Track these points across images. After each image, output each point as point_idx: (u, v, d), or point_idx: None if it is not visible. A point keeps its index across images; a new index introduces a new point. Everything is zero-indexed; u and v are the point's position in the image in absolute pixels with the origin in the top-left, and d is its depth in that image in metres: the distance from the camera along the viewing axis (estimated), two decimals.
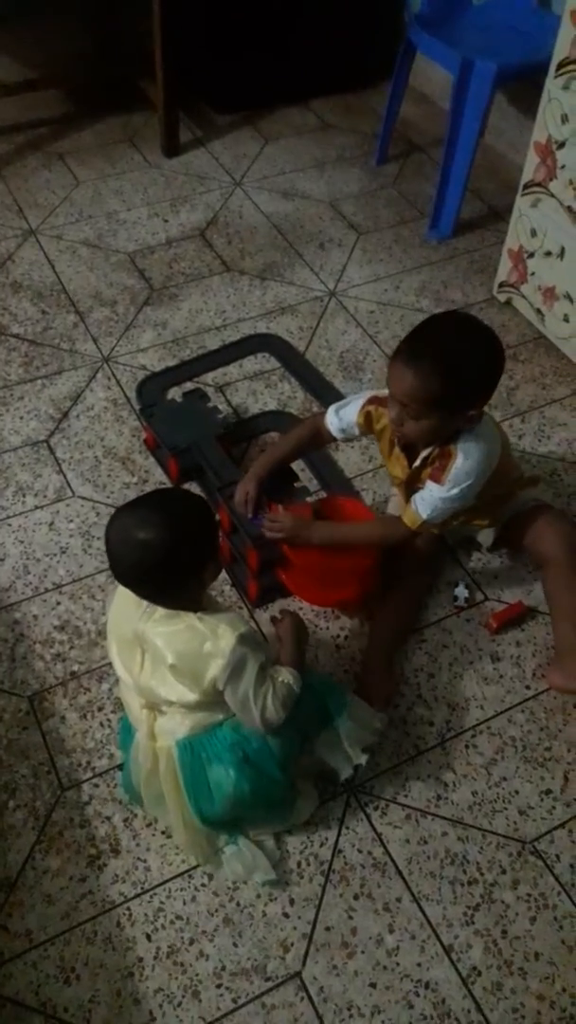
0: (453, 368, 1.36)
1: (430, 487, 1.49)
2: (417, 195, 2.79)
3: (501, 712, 1.56)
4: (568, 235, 2.06)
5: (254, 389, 2.14)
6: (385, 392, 1.52)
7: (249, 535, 1.59)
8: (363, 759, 1.38)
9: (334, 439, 1.65)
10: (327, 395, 2.10)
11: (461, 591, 1.72)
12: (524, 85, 2.39)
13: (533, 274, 2.23)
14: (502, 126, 2.93)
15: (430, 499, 1.49)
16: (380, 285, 2.46)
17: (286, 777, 1.30)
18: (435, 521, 1.51)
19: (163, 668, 1.19)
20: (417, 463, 1.52)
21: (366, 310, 2.38)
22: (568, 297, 2.13)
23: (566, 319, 2.16)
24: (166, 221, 2.65)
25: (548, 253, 2.15)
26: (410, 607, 1.69)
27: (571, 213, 2.02)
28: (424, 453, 1.50)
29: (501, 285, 2.37)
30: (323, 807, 1.43)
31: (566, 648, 1.57)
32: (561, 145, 1.99)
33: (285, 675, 1.25)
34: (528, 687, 1.60)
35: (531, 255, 2.21)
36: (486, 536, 1.75)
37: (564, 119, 1.96)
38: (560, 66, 1.93)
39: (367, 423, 1.59)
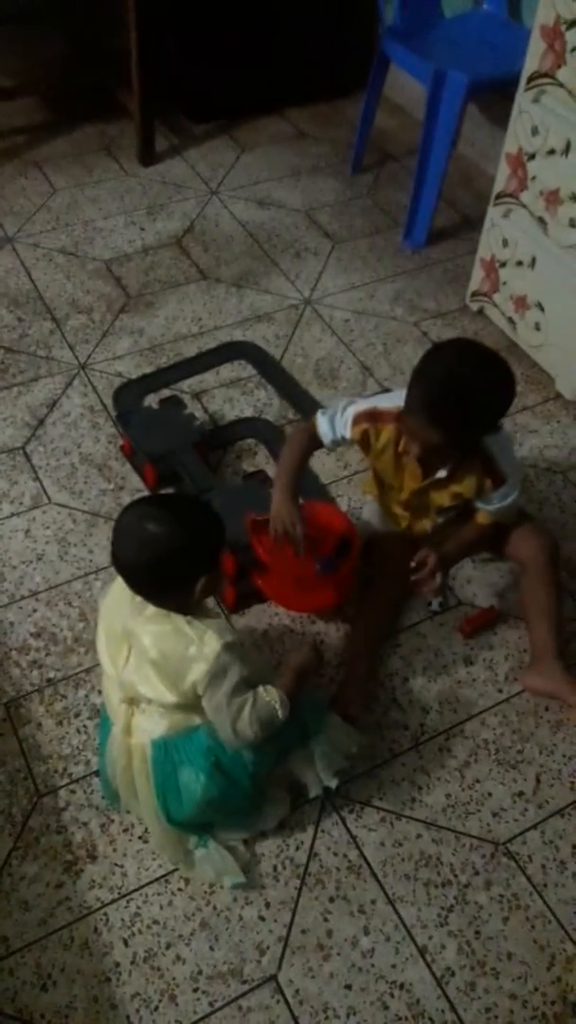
0: (477, 414, 1.39)
1: (502, 492, 1.55)
2: (391, 204, 2.83)
3: (474, 715, 1.58)
4: (539, 245, 2.10)
5: (230, 396, 2.15)
6: (376, 406, 1.54)
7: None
8: (334, 783, 1.39)
9: (323, 447, 1.65)
10: (303, 402, 2.12)
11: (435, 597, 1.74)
12: (496, 96, 2.43)
13: (505, 283, 2.26)
14: (475, 136, 2.97)
15: (512, 500, 1.57)
16: (355, 294, 2.48)
17: (254, 788, 1.31)
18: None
19: (147, 665, 1.20)
20: (443, 474, 1.53)
21: (341, 318, 2.40)
22: (539, 306, 2.16)
23: (537, 327, 2.20)
24: (142, 229, 2.66)
25: (520, 263, 2.18)
26: (388, 612, 1.71)
27: (542, 224, 2.06)
28: (444, 471, 1.52)
29: (474, 294, 2.40)
30: (298, 811, 1.44)
31: (542, 649, 1.60)
32: (532, 157, 2.03)
33: (273, 695, 1.24)
34: (501, 690, 1.62)
35: (503, 265, 2.25)
36: None
37: (534, 131, 1.99)
38: (530, 79, 1.97)
39: (363, 442, 1.59)
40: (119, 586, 1.23)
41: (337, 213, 2.78)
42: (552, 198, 2.00)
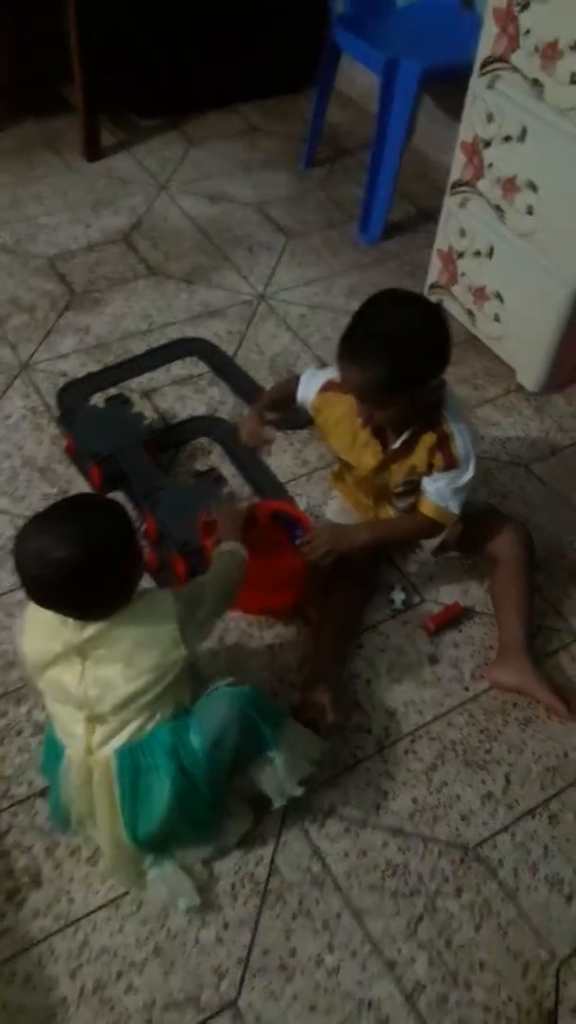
0: (395, 351, 1.33)
1: (449, 476, 1.47)
2: (346, 198, 2.77)
3: (440, 716, 1.52)
4: (497, 234, 2.05)
5: (182, 394, 2.08)
6: None
7: (177, 542, 1.52)
8: (299, 791, 1.31)
9: (295, 402, 1.61)
10: (256, 398, 2.05)
11: (398, 594, 1.67)
12: (450, 87, 2.38)
13: (463, 275, 2.22)
14: (430, 128, 2.93)
15: (455, 487, 1.48)
16: (310, 288, 2.42)
17: (212, 796, 1.23)
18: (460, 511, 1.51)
19: (114, 667, 1.14)
20: (396, 445, 1.47)
21: (296, 313, 2.33)
22: (498, 296, 2.11)
23: (496, 319, 2.15)
24: (88, 225, 2.57)
25: (477, 253, 2.13)
26: (352, 612, 1.64)
27: (499, 212, 2.01)
28: (405, 436, 1.46)
29: (432, 287, 2.35)
30: (259, 824, 1.36)
31: (510, 643, 1.55)
32: (487, 144, 1.98)
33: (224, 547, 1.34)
34: (467, 688, 1.56)
35: (461, 255, 2.20)
36: (431, 539, 1.70)
37: (489, 118, 1.95)
38: (484, 64, 1.92)
39: (318, 409, 1.56)
40: (39, 614, 1.14)
41: (290, 207, 2.72)
42: (509, 186, 1.96)
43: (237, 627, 1.62)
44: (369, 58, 2.37)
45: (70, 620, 1.13)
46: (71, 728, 1.20)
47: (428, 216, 2.64)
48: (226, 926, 1.26)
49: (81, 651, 1.14)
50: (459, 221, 2.15)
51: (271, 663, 1.57)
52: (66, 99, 2.84)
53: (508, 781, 1.45)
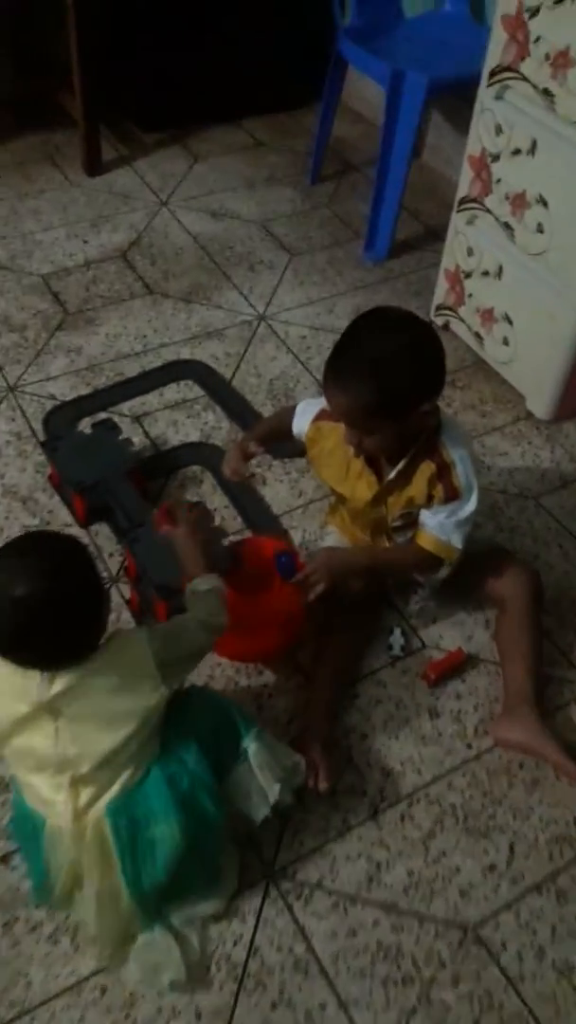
0: (382, 373, 1.24)
1: (449, 508, 1.37)
2: (352, 215, 2.67)
3: (440, 776, 1.40)
4: (505, 253, 1.95)
5: (175, 419, 1.98)
6: None
7: (154, 583, 1.42)
8: (278, 791, 1.20)
9: (290, 434, 1.52)
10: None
11: (396, 638, 1.56)
12: (459, 102, 2.28)
13: (471, 295, 2.11)
14: (439, 144, 2.84)
15: (457, 520, 1.38)
16: (313, 309, 2.32)
17: (222, 814, 1.14)
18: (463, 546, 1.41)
19: (91, 721, 1.05)
20: (392, 475, 1.38)
21: (297, 335, 2.23)
22: (507, 319, 2.01)
23: (505, 342, 2.04)
24: (85, 242, 2.49)
25: (485, 273, 2.03)
26: (349, 658, 1.53)
27: (508, 229, 1.91)
28: (401, 465, 1.36)
29: (438, 308, 2.24)
30: (237, 897, 1.25)
31: (516, 696, 1.43)
32: (496, 158, 1.88)
33: (200, 585, 1.23)
34: (469, 746, 1.44)
35: (468, 275, 2.09)
36: (433, 578, 1.59)
37: (498, 130, 1.84)
38: (492, 74, 1.82)
39: (312, 440, 1.47)
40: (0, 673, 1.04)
41: (294, 225, 2.63)
42: (519, 202, 1.85)
43: (222, 673, 1.51)
44: (374, 69, 2.27)
45: (35, 675, 1.02)
46: (51, 796, 1.09)
47: (436, 234, 2.54)
48: (199, 1015, 1.14)
49: (52, 708, 1.04)
50: (467, 239, 2.05)
51: (258, 715, 1.45)
52: (67, 111, 2.76)
53: (512, 851, 1.33)
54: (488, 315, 2.07)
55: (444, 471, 1.36)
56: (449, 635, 1.59)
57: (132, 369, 2.09)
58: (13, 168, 2.77)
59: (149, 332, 2.20)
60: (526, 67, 1.73)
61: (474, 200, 1.98)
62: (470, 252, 2.05)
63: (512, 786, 1.40)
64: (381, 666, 1.54)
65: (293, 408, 1.52)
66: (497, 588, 1.53)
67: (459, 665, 1.53)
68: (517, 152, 1.81)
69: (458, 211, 2.05)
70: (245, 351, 2.17)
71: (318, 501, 1.80)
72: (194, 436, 1.94)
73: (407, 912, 1.25)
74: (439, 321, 2.24)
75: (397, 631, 1.57)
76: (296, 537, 1.74)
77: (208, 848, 1.15)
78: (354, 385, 1.25)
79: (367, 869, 1.29)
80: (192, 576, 1.25)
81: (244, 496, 1.80)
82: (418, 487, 1.38)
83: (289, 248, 2.53)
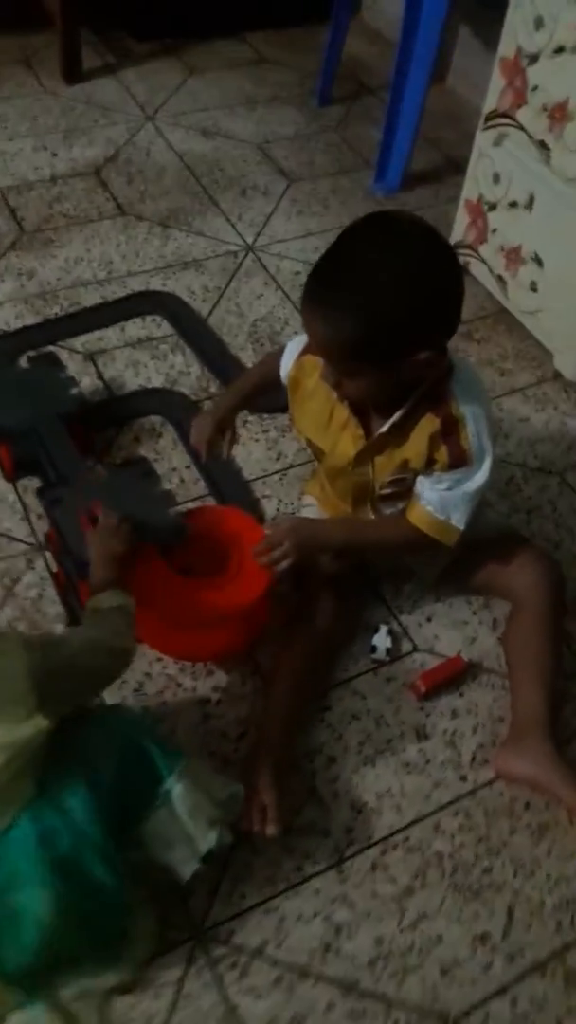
0: (371, 303, 0.94)
1: (454, 477, 1.08)
2: (362, 142, 2.34)
3: (425, 816, 1.12)
4: (539, 179, 1.62)
5: (136, 359, 1.67)
6: None
7: (75, 559, 1.12)
8: (213, 840, 0.93)
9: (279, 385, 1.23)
10: (230, 371, 1.64)
11: (382, 639, 1.27)
12: (491, 14, 1.93)
13: (495, 231, 1.79)
14: (466, 66, 2.49)
15: (463, 493, 1.09)
16: (310, 242, 2.00)
17: (117, 882, 0.85)
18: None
19: None
20: (385, 429, 1.08)
21: (290, 270, 1.92)
22: (536, 259, 1.69)
23: (533, 287, 1.72)
24: (55, 155, 2.16)
25: (513, 204, 1.71)
26: (319, 659, 1.23)
27: (543, 149, 1.59)
28: (396, 417, 1.07)
29: (456, 247, 1.92)
30: (153, 962, 0.97)
31: (527, 720, 1.15)
32: (534, 59, 1.55)
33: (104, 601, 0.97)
34: (464, 778, 1.16)
35: (493, 207, 1.77)
36: (430, 567, 1.30)
37: (538, 24, 1.51)
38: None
39: (295, 380, 1.17)
40: None
41: (297, 148, 2.30)
42: (559, 113, 1.52)
43: (162, 672, 1.22)
44: None
45: None
46: None
47: (457, 166, 2.20)
48: None
49: None
50: (493, 163, 1.72)
51: (201, 727, 1.17)
52: (51, 13, 2.41)
53: (511, 917, 1.04)
54: (514, 255, 1.75)
55: (451, 429, 1.06)
56: (447, 637, 1.30)
57: (92, 299, 1.78)
58: None
59: (116, 258, 1.89)
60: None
61: (504, 115, 1.66)
62: (496, 179, 1.73)
63: (515, 832, 1.11)
64: (360, 672, 1.25)
65: (280, 352, 1.22)
66: (509, 581, 1.25)
67: (457, 675, 1.24)
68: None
69: (484, 128, 1.73)
70: (227, 286, 1.85)
71: (299, 466, 1.51)
72: (157, 381, 1.63)
73: (371, 994, 0.97)
74: None
75: (383, 629, 1.28)
76: (269, 508, 1.45)
77: (103, 919, 0.86)
78: (335, 314, 0.95)
79: (324, 933, 1.01)
80: (95, 590, 0.97)
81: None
82: (416, 447, 1.08)
83: (288, 173, 2.20)
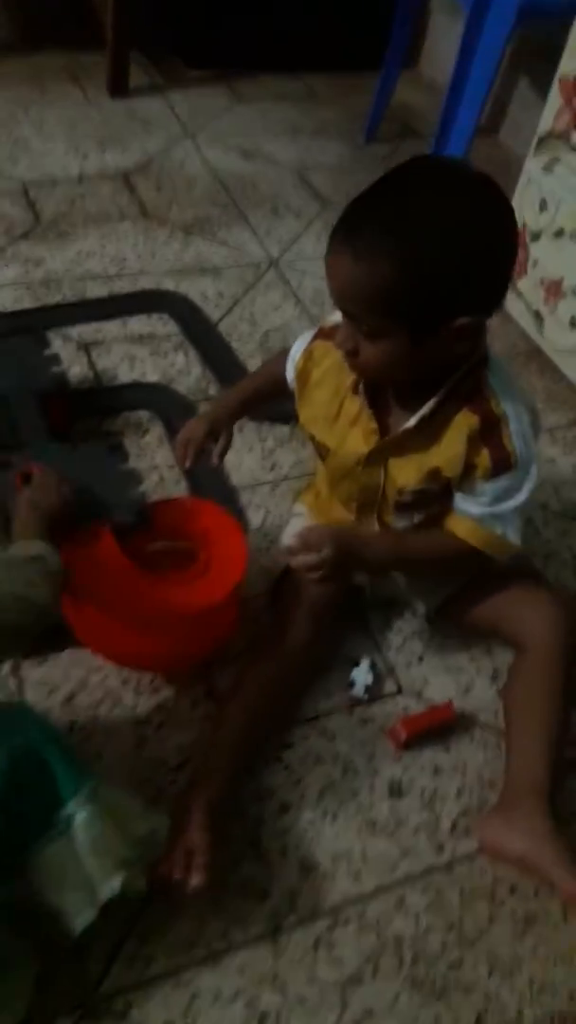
0: (417, 241, 0.79)
1: (501, 485, 0.93)
2: None
3: (388, 888, 0.92)
4: None
5: (133, 354, 1.54)
6: (337, 319, 0.95)
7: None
8: (117, 885, 0.74)
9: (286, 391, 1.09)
10: (234, 375, 1.50)
11: (362, 674, 1.09)
12: (546, 65, 1.84)
13: (536, 264, 1.66)
14: (520, 119, 2.41)
15: (515, 505, 0.95)
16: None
17: None
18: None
19: None
20: (412, 424, 0.92)
21: (313, 287, 1.79)
22: None
23: (572, 324, 1.58)
24: (85, 157, 2.09)
25: (559, 232, 1.58)
26: (283, 688, 1.05)
27: None
28: (425, 410, 0.91)
29: None
30: None
31: (521, 784, 0.95)
32: (536, 237, 1.45)
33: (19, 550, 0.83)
34: (441, 848, 0.96)
35: (536, 237, 1.64)
36: (429, 597, 1.13)
37: (542, 206, 1.46)
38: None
39: (304, 371, 1.02)
40: None
41: (336, 177, 2.21)
42: None
43: (101, 683, 1.04)
44: None
45: None
46: None
47: None
48: None
49: None
50: (540, 189, 1.60)
51: (136, 751, 0.99)
52: (104, 34, 2.38)
53: None
54: (555, 289, 1.61)
55: (492, 428, 0.91)
56: (438, 681, 1.12)
57: (98, 292, 1.67)
58: (28, 78, 2.39)
59: (131, 256, 1.78)
60: None
61: (560, 136, 1.54)
62: (543, 206, 1.61)
63: (495, 921, 0.91)
64: (333, 709, 1.07)
65: (286, 353, 1.08)
66: (517, 622, 1.07)
67: (445, 725, 1.06)
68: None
69: (535, 153, 1.62)
70: (244, 294, 1.73)
71: (295, 480, 1.35)
72: (152, 378, 1.50)
73: None
74: None
75: (364, 663, 1.10)
76: (255, 519, 1.29)
77: None
78: (372, 252, 0.79)
79: (244, 1021, 0.81)
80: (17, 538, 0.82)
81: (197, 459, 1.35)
82: (450, 449, 0.93)
83: (324, 199, 2.11)
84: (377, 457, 0.98)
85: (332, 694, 1.08)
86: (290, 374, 1.07)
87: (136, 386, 1.46)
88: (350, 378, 0.97)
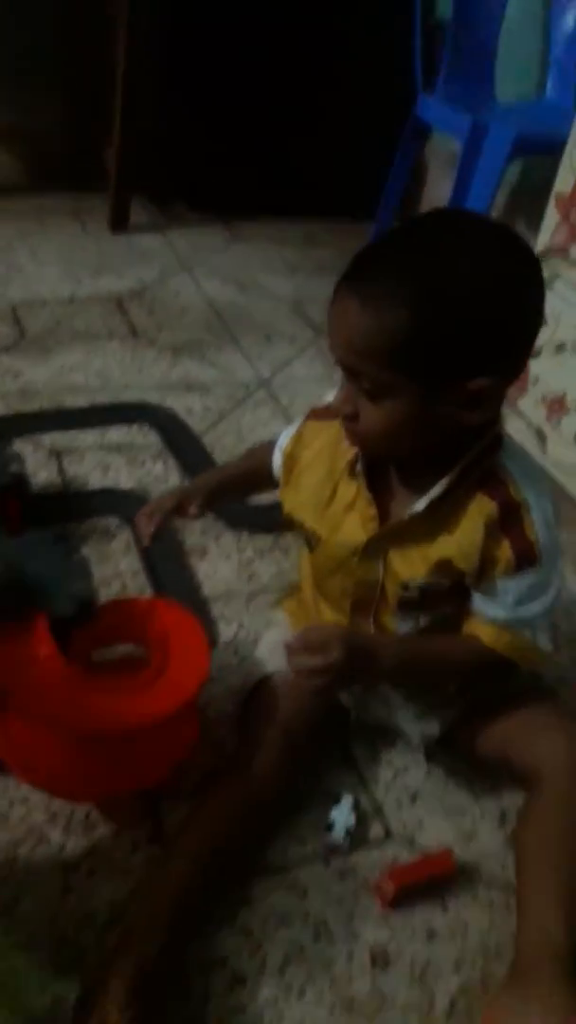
0: (440, 293, 0.70)
1: (525, 580, 0.81)
2: None
3: None
4: None
5: (108, 462, 1.44)
6: (332, 399, 0.89)
7: None
8: None
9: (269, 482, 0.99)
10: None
11: (343, 815, 0.91)
12: (537, 202, 1.86)
13: (537, 381, 1.59)
14: None
15: (543, 607, 0.82)
16: (333, 386, 1.82)
17: None
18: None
19: None
20: (420, 508, 0.80)
21: (305, 405, 1.71)
22: None
23: None
24: (79, 282, 2.08)
25: (561, 347, 1.52)
26: (246, 829, 0.87)
27: None
28: (436, 491, 0.79)
29: None
30: None
31: (537, 953, 0.76)
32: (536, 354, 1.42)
33: None
34: None
35: (537, 354, 1.58)
36: (427, 725, 0.97)
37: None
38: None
39: (292, 455, 0.92)
40: None
41: None
42: None
43: (24, 816, 0.86)
44: (451, 122, 1.90)
45: None
46: None
47: None
48: None
49: None
50: None
51: (59, 901, 0.80)
52: (107, 172, 2.45)
53: None
54: (558, 405, 1.53)
55: (512, 516, 0.80)
56: (436, 827, 0.93)
57: (77, 404, 1.59)
58: (31, 214, 2.44)
59: (116, 371, 1.72)
60: None
61: (558, 251, 1.50)
62: (543, 322, 1.55)
63: None
64: (306, 858, 0.88)
65: (273, 443, 0.98)
66: (529, 755, 0.90)
67: (441, 879, 0.87)
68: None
69: None
70: (232, 410, 1.66)
71: (275, 592, 1.21)
72: (127, 486, 1.39)
73: None
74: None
75: (346, 802, 0.92)
76: (226, 632, 1.14)
77: None
78: (385, 297, 0.70)
79: None
80: None
81: (166, 565, 1.22)
82: (464, 538, 0.81)
83: (319, 328, 2.08)
84: (377, 547, 0.85)
85: (305, 839, 0.89)
86: (277, 461, 0.96)
87: (106, 492, 1.36)
88: (345, 458, 0.86)
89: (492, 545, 0.80)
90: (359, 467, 0.84)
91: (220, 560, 1.26)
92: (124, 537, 1.27)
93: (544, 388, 1.56)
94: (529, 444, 1.61)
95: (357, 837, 0.90)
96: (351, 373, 0.76)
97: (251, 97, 2.45)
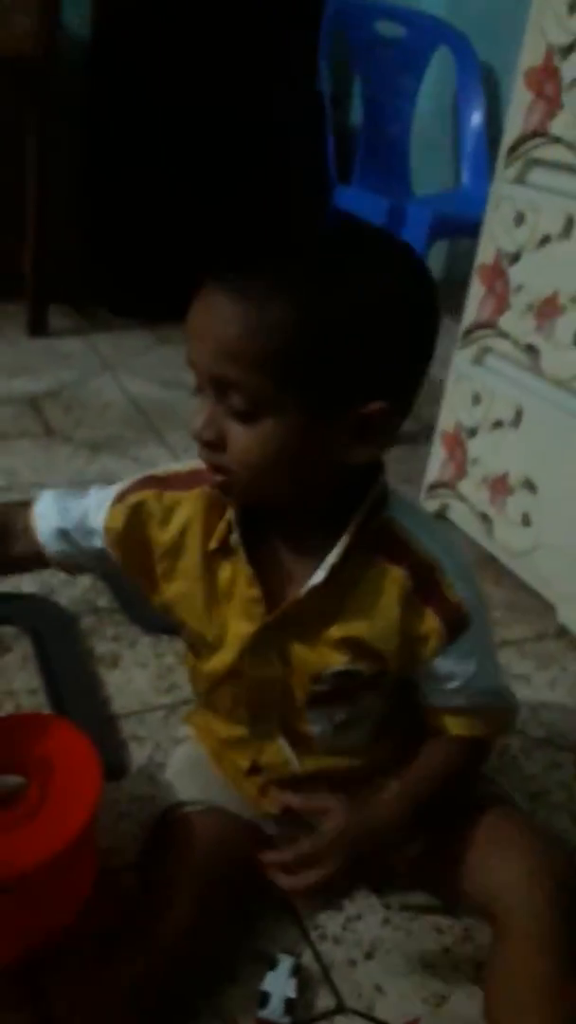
0: (326, 287, 0.58)
1: (465, 646, 0.68)
2: None
3: None
4: (526, 389, 1.36)
5: None
6: (171, 469, 0.75)
7: None
8: None
9: (39, 560, 0.78)
10: (138, 605, 1.23)
11: (280, 983, 0.72)
12: (456, 288, 1.82)
13: (475, 461, 1.49)
14: (443, 354, 2.39)
15: (480, 658, 0.70)
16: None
17: None
18: None
19: None
20: (319, 578, 0.66)
21: None
22: (527, 484, 1.36)
23: (525, 521, 1.37)
24: None
25: (498, 423, 1.42)
26: (159, 1006, 0.68)
27: (531, 353, 1.33)
28: (332, 557, 0.66)
29: (431, 488, 1.61)
30: None
31: None
32: (515, 259, 1.35)
33: None
34: None
35: (473, 433, 1.49)
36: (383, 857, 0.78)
37: (519, 220, 1.33)
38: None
39: (128, 535, 0.73)
40: None
41: None
42: (548, 308, 1.29)
43: None
44: (369, 205, 1.86)
45: None
46: None
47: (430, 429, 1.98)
48: None
49: None
50: (471, 384, 1.47)
51: None
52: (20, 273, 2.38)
53: None
54: (500, 484, 1.43)
55: (427, 579, 0.67)
56: (397, 990, 0.75)
57: None
58: None
59: (26, 471, 1.58)
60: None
61: (485, 325, 1.43)
62: (476, 400, 1.47)
63: None
64: None
65: (27, 505, 0.80)
66: (484, 888, 0.73)
67: None
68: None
69: (462, 346, 1.50)
70: None
71: (192, 704, 1.04)
72: (31, 588, 1.23)
73: None
74: (433, 505, 1.60)
75: (284, 965, 0.73)
76: (138, 755, 0.96)
77: None
78: (267, 294, 0.58)
79: None
80: None
81: (70, 679, 1.04)
82: (381, 616, 0.67)
83: None
84: (270, 639, 0.69)
85: (235, 1016, 0.70)
86: (54, 528, 0.76)
87: (5, 597, 1.18)
88: (218, 528, 0.69)
89: (414, 620, 0.66)
90: (235, 536, 0.68)
91: (134, 669, 1.10)
92: (22, 649, 1.10)
93: (484, 469, 1.46)
94: (474, 529, 1.49)
95: (300, 1011, 0.71)
96: (217, 388, 0.61)
97: (171, 202, 2.41)
